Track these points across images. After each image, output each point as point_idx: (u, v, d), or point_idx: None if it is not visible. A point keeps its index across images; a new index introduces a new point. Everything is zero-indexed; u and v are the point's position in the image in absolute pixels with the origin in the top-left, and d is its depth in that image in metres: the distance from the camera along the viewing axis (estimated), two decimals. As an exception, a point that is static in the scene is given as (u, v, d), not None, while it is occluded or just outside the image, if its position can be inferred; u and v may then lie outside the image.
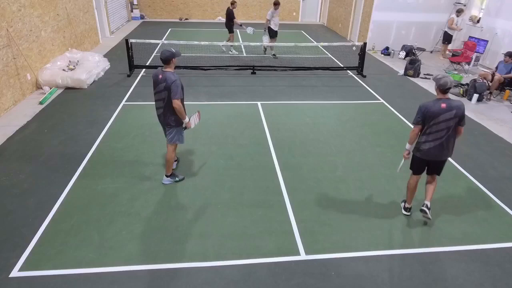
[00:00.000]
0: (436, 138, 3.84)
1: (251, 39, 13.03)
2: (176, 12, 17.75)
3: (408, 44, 11.99)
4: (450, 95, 8.74)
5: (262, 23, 15.70)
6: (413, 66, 9.92)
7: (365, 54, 9.83)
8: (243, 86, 8.68)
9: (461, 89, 8.62)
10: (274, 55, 11.35)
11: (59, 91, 7.90)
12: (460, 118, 3.80)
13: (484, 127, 6.96)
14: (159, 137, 6.00)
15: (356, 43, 10.63)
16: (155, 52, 11.40)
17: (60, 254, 3.61)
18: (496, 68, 8.66)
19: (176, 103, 4.23)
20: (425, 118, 3.83)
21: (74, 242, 3.78)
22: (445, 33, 11.49)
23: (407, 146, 4.11)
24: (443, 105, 3.75)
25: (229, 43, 11.23)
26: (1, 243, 3.72)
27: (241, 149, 5.75)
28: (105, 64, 9.46)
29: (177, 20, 17.62)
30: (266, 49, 11.71)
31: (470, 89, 8.39)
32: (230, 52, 11.70)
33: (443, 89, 3.79)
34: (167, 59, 4.26)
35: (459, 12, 11.10)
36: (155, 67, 9.56)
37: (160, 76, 4.27)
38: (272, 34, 10.93)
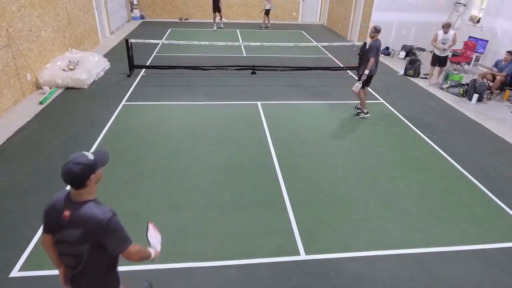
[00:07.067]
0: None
1: (251, 40, 13.04)
2: (176, 12, 17.74)
3: (408, 44, 12.00)
4: (450, 95, 8.78)
5: (262, 23, 15.88)
6: (413, 66, 9.93)
7: (365, 54, 9.83)
8: (243, 86, 8.67)
9: (461, 89, 8.62)
10: (267, 27, 16.08)
11: (59, 91, 7.90)
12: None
13: (484, 127, 6.95)
14: (159, 137, 6.00)
15: (356, 43, 10.61)
16: (155, 52, 11.40)
17: (60, 254, 3.61)
18: (496, 66, 8.66)
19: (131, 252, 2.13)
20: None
21: (74, 242, 3.77)
22: (433, 54, 9.14)
23: None
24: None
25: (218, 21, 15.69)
26: (1, 243, 3.72)
27: (241, 149, 5.75)
28: (105, 64, 9.46)
29: (177, 20, 17.61)
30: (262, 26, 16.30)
31: (470, 89, 8.39)
32: (217, 28, 15.70)
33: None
34: (78, 179, 1.99)
35: (444, 27, 8.70)
36: (155, 67, 9.59)
37: (68, 214, 2.03)
38: (266, 12, 15.86)
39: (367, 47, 6.83)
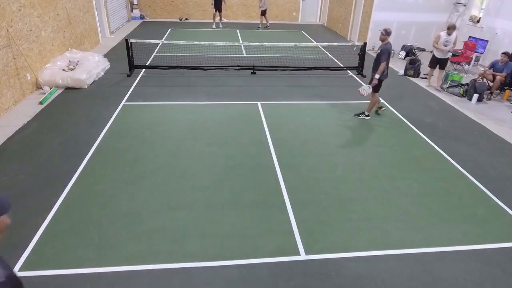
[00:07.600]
0: None
1: (251, 40, 13.04)
2: (176, 12, 17.75)
3: (408, 44, 11.99)
4: (450, 95, 8.78)
5: (259, 23, 15.86)
6: (413, 66, 9.93)
7: (365, 54, 9.84)
8: (243, 86, 8.67)
9: (461, 89, 8.62)
10: (266, 27, 16.21)
11: (59, 91, 7.90)
12: None
13: (484, 127, 6.95)
14: (159, 137, 6.01)
15: (356, 43, 10.61)
16: (155, 52, 11.40)
17: (60, 254, 3.61)
18: (492, 67, 8.65)
19: None
20: None
21: (74, 242, 3.77)
22: (433, 55, 8.99)
23: None
24: None
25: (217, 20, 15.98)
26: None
27: (241, 149, 5.75)
28: (105, 64, 9.46)
29: (177, 20, 17.62)
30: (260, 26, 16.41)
31: (470, 89, 8.39)
32: (216, 27, 15.88)
33: None
34: None
35: (450, 29, 8.42)
36: (155, 67, 9.58)
37: None
38: (263, 12, 16.01)
39: (378, 51, 6.62)
